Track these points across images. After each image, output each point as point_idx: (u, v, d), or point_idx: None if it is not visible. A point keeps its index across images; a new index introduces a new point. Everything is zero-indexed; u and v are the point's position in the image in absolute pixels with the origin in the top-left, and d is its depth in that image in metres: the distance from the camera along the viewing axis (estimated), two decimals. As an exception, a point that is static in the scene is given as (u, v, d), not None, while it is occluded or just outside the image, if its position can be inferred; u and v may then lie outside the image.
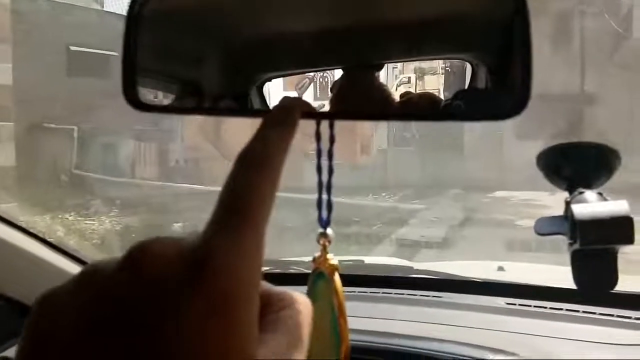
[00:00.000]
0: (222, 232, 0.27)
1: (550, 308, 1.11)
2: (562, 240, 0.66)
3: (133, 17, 0.48)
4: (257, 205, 0.29)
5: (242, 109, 0.55)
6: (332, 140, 0.50)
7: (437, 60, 0.61)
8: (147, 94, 0.50)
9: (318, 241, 0.52)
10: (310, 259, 0.53)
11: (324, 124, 0.51)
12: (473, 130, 7.83)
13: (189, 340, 0.24)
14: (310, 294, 0.53)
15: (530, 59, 0.39)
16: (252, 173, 0.30)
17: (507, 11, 0.43)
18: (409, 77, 0.59)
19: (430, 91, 0.58)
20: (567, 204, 0.62)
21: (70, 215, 5.49)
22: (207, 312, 0.24)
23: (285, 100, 0.37)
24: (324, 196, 0.51)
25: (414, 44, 0.55)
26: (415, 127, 8.49)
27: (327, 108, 0.53)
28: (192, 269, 0.25)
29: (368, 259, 1.77)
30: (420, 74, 0.61)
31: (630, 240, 0.55)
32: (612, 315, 1.06)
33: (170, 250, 0.26)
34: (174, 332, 0.24)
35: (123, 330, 0.24)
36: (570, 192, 0.65)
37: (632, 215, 0.55)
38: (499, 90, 0.51)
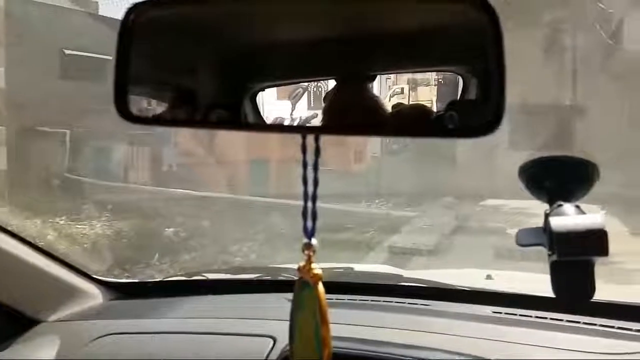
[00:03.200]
0: None
1: (536, 317, 1.13)
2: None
3: (127, 30, 0.49)
4: None
5: (234, 121, 0.56)
6: (317, 153, 0.51)
7: (430, 72, 0.63)
8: (139, 106, 0.51)
9: (303, 251, 0.53)
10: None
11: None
12: (466, 139, 7.85)
13: None
14: (295, 302, 0.55)
15: (503, 72, 0.41)
16: None
17: (482, 26, 0.44)
18: (402, 88, 0.60)
19: (423, 103, 0.59)
20: (546, 216, 0.63)
21: (61, 220, 5.45)
22: None
23: None
24: (309, 206, 0.52)
25: (403, 57, 0.56)
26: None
27: (319, 118, 0.54)
28: None
29: (358, 267, 1.78)
30: (414, 85, 0.62)
31: (604, 252, 0.57)
32: (596, 325, 1.08)
33: None
34: None
35: None
36: (550, 205, 0.67)
37: (606, 229, 0.57)
38: (485, 102, 0.53)
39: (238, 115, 0.55)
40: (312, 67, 0.56)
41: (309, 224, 0.53)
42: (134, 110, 0.51)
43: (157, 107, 0.53)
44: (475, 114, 0.53)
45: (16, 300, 1.27)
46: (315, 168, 0.53)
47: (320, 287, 0.53)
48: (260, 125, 0.52)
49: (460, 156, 8.00)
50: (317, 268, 0.53)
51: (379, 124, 0.54)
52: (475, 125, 0.45)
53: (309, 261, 0.53)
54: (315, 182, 0.53)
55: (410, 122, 0.56)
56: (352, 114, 0.56)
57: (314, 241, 0.54)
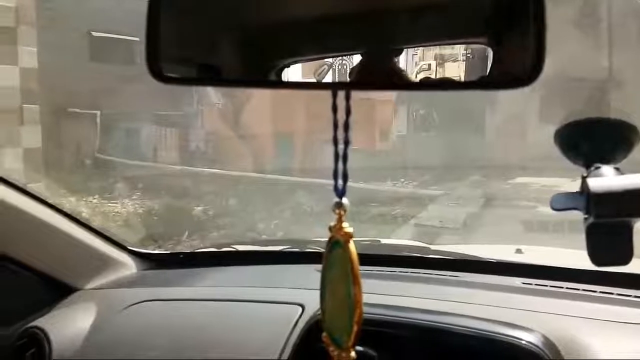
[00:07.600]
0: None
1: (567, 288, 1.11)
2: (582, 222, 0.66)
3: None
4: None
5: (264, 79, 0.56)
6: (348, 112, 0.51)
7: (458, 47, 0.61)
8: (170, 66, 0.52)
9: (334, 210, 0.53)
10: (326, 240, 0.55)
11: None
12: (494, 115, 7.69)
13: None
14: (326, 261, 0.55)
15: (544, 27, 0.40)
16: None
17: None
18: (429, 64, 0.59)
19: (450, 77, 0.58)
20: (584, 179, 0.62)
21: (94, 198, 5.62)
22: None
23: None
24: (340, 166, 0.52)
25: (430, 28, 0.55)
26: (435, 113, 8.39)
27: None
28: None
29: (385, 240, 1.78)
30: (441, 61, 0.60)
31: (644, 213, 0.55)
32: (630, 296, 1.06)
33: None
34: None
35: None
36: (587, 168, 0.65)
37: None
38: (513, 63, 0.51)
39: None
40: (337, 42, 0.55)
41: (340, 183, 0.53)
42: (165, 71, 0.51)
43: (188, 67, 0.54)
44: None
45: (55, 269, 1.32)
46: (346, 127, 0.53)
47: (352, 246, 0.54)
48: (289, 83, 0.52)
49: (489, 134, 7.84)
50: (348, 227, 0.53)
51: (410, 80, 0.53)
52: (511, 77, 0.44)
53: (339, 220, 0.53)
54: (346, 142, 0.53)
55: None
56: (381, 76, 0.56)
57: (344, 200, 0.54)
